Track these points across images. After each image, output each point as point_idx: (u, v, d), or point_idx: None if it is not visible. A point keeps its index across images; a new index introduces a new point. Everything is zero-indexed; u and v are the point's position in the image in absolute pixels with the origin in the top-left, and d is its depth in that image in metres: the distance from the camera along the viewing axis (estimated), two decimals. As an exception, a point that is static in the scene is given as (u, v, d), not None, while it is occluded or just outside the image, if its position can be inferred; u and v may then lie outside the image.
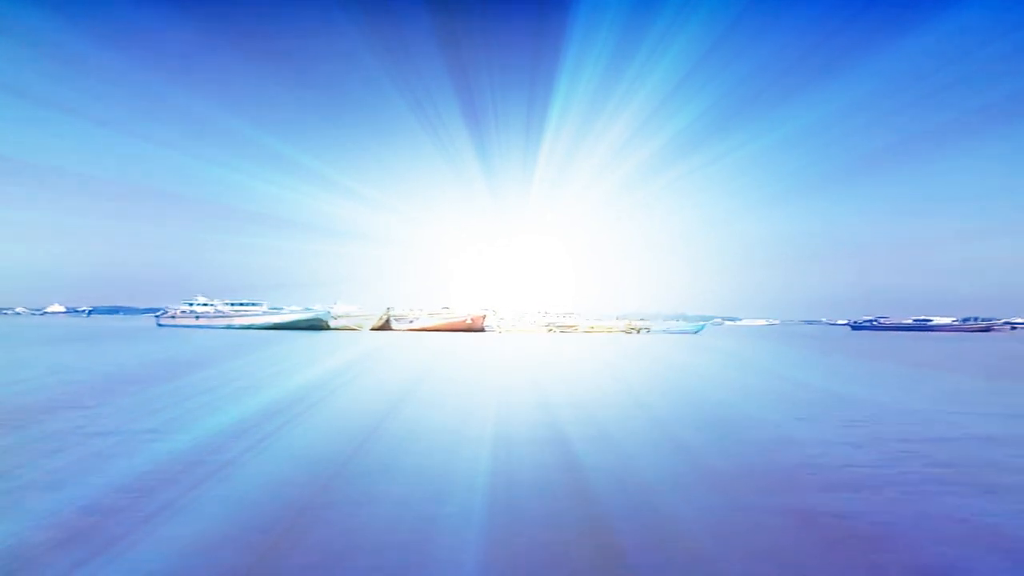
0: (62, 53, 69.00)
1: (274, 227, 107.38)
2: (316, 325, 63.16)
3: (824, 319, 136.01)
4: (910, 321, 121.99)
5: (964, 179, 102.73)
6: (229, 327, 63.21)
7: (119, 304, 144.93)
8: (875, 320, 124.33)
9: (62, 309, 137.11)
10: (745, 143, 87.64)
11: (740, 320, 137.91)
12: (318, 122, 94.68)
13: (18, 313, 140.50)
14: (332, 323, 63.96)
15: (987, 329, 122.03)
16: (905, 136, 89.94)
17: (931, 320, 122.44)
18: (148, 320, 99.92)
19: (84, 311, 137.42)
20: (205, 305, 67.31)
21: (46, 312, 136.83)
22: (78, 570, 4.15)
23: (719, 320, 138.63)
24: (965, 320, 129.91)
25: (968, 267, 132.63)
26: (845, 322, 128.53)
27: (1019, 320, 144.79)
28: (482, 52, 72.26)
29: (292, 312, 64.20)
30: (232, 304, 66.75)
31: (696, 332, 74.96)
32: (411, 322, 65.91)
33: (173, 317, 68.93)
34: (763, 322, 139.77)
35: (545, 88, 73.10)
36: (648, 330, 74.16)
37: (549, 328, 69.89)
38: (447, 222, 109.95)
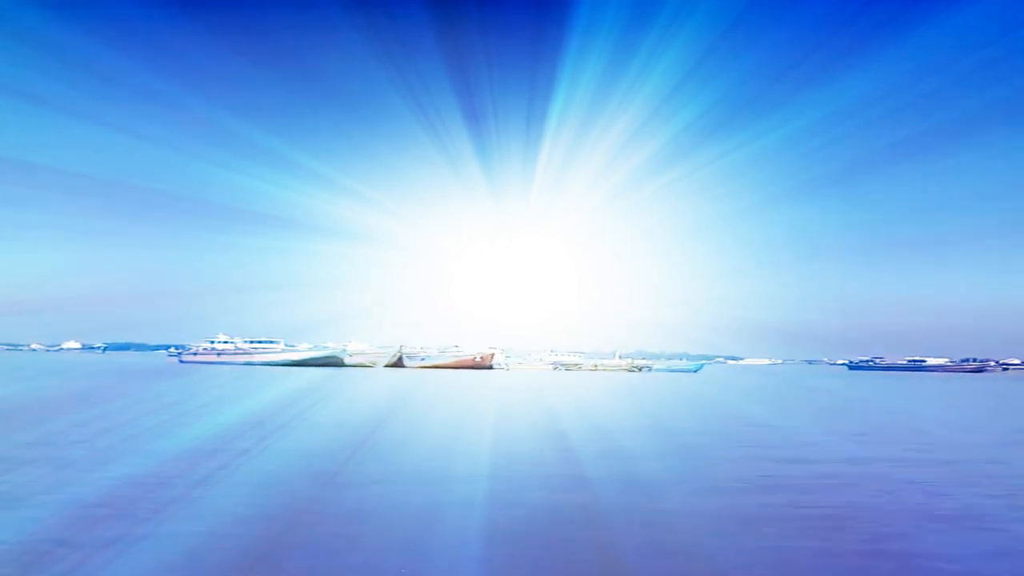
0: (62, 53, 71.75)
1: (275, 227, 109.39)
2: (332, 362, 66.07)
3: (825, 359, 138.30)
4: (905, 361, 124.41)
5: (963, 180, 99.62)
6: (249, 364, 66.18)
7: (132, 340, 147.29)
8: (872, 360, 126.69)
9: (77, 345, 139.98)
10: (741, 145, 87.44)
11: (743, 359, 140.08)
12: (318, 122, 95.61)
13: (34, 349, 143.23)
14: (347, 360, 66.92)
15: (980, 370, 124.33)
16: (905, 136, 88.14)
17: (925, 361, 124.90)
18: (162, 357, 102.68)
19: (99, 347, 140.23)
20: (226, 343, 70.49)
21: (61, 348, 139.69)
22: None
23: (721, 359, 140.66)
24: (963, 361, 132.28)
25: (965, 306, 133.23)
26: (844, 362, 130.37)
27: (1012, 360, 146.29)
28: (482, 52, 74.78)
29: (309, 350, 67.22)
30: (251, 342, 69.92)
31: (695, 371, 77.70)
32: (422, 360, 68.88)
33: (195, 354, 72.01)
34: (767, 361, 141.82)
35: (545, 88, 74.86)
36: (650, 369, 76.99)
37: (555, 367, 72.80)
38: (447, 223, 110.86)
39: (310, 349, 67.34)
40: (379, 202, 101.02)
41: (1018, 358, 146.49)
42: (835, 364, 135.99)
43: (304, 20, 76.42)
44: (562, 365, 73.41)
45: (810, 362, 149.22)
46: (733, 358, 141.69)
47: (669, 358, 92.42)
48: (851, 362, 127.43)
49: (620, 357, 78.26)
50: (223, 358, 69.23)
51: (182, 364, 66.80)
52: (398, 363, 68.54)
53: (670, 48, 69.03)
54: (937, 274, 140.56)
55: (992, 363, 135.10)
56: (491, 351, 69.85)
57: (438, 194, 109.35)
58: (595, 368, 73.49)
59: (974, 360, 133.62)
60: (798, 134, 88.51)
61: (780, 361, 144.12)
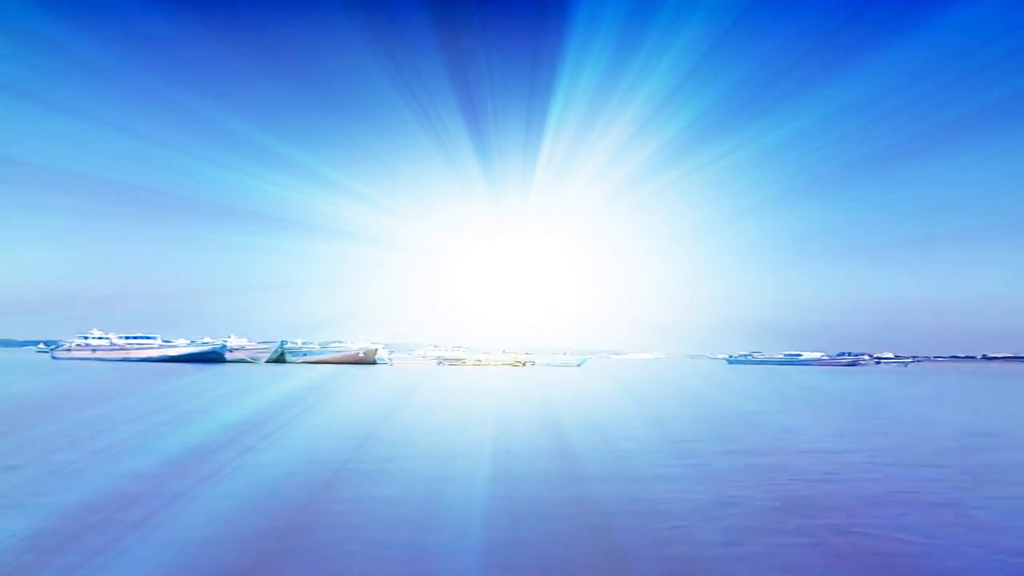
0: (62, 53, 68.31)
1: (274, 227, 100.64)
2: (212, 358, 66.66)
3: (707, 353, 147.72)
4: (782, 356, 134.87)
5: (963, 180, 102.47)
6: (126, 360, 65.82)
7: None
8: (750, 355, 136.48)
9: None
10: (736, 148, 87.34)
11: (626, 354, 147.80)
12: (318, 121, 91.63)
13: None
14: (228, 355, 67.67)
15: (853, 363, 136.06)
16: (905, 136, 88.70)
17: (801, 355, 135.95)
18: (31, 353, 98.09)
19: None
20: (100, 339, 69.64)
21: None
22: None
23: (605, 354, 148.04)
24: (839, 355, 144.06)
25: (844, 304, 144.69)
26: (725, 356, 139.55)
27: (886, 355, 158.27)
28: (482, 52, 74.74)
29: (187, 346, 67.50)
30: (127, 337, 69.41)
31: (578, 365, 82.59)
32: (304, 355, 70.49)
33: (68, 350, 70.69)
34: (649, 356, 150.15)
35: (545, 88, 75.11)
36: (533, 363, 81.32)
37: (439, 362, 75.91)
38: (447, 222, 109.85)
39: (188, 345, 67.61)
40: (379, 202, 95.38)
41: (893, 352, 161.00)
42: (716, 358, 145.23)
43: (304, 20, 77.18)
44: (446, 360, 76.64)
45: (692, 356, 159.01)
46: (617, 352, 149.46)
47: (554, 352, 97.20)
48: (731, 356, 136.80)
49: (504, 351, 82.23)
50: (98, 354, 68.44)
51: (55, 361, 65.62)
52: (280, 359, 69.83)
53: (670, 48, 67.13)
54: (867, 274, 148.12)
55: (866, 357, 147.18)
56: (374, 346, 72.23)
57: (438, 193, 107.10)
58: (478, 363, 77.13)
59: (849, 354, 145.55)
60: (798, 135, 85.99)
61: (663, 355, 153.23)
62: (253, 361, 67.65)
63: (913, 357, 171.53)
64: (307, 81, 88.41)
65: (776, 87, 79.99)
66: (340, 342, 72.67)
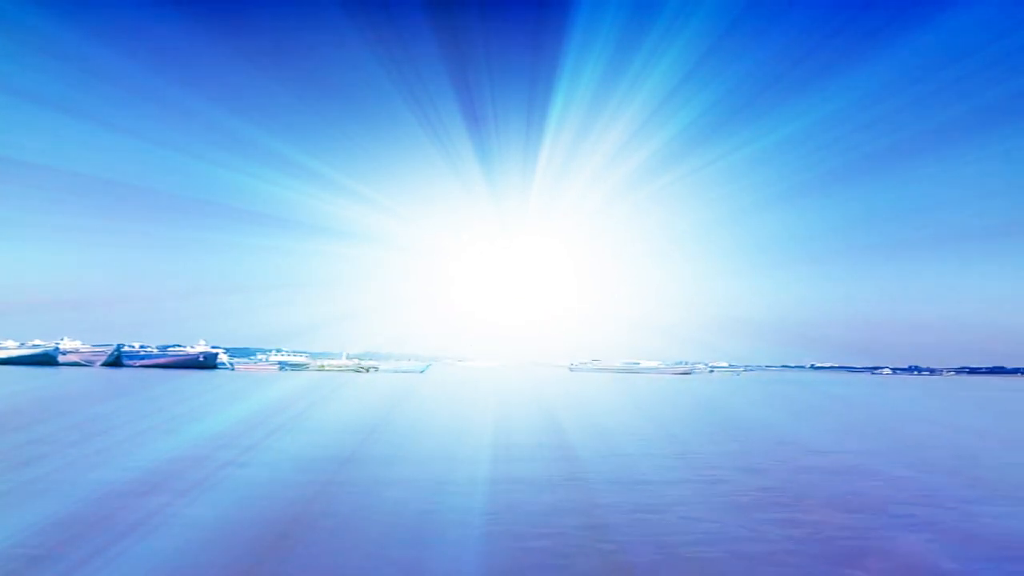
0: (62, 53, 67.74)
1: (274, 227, 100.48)
2: (43, 361, 68.33)
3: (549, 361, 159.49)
4: (620, 364, 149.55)
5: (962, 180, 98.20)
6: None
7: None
8: (591, 362, 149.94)
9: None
10: (736, 148, 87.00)
11: (470, 360, 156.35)
12: (318, 122, 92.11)
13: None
14: (61, 358, 69.56)
15: (688, 372, 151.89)
16: (905, 136, 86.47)
17: (639, 363, 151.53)
18: None
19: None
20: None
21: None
22: None
23: (450, 360, 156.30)
24: (676, 363, 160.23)
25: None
26: (568, 364, 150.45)
27: (721, 363, 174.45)
28: (482, 52, 73.42)
29: (17, 348, 68.71)
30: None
31: (422, 372, 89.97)
32: (143, 358, 73.56)
33: None
34: (495, 363, 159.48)
35: (545, 88, 73.73)
36: (376, 369, 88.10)
37: (280, 367, 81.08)
38: (447, 223, 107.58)
39: (19, 347, 68.82)
40: (378, 202, 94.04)
41: (727, 361, 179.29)
42: (559, 366, 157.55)
43: (304, 20, 77.35)
44: (288, 365, 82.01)
45: (536, 364, 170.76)
46: (462, 359, 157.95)
47: (399, 358, 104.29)
48: (572, 364, 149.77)
49: (347, 357, 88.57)
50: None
51: None
52: (116, 362, 72.42)
53: (669, 49, 66.82)
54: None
55: (701, 365, 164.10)
56: (215, 351, 76.42)
57: (438, 194, 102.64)
58: (321, 368, 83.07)
59: (685, 363, 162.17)
60: (797, 135, 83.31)
61: (504, 362, 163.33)
62: (88, 365, 69.91)
63: (746, 366, 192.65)
64: (307, 81, 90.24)
65: (776, 88, 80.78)
66: (180, 346, 76.22)
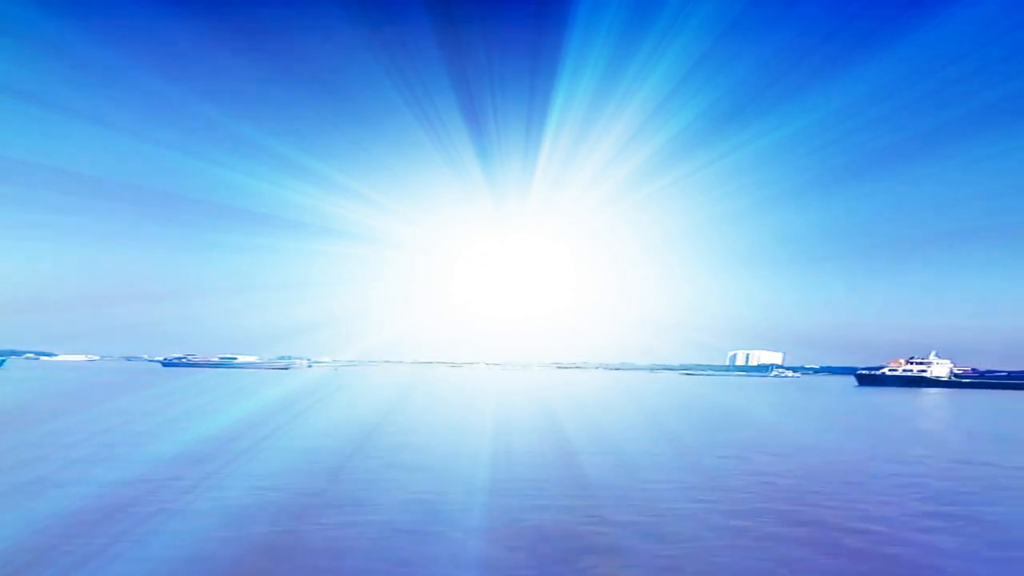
0: (62, 53, 70.95)
1: (274, 227, 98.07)
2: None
3: (145, 355, 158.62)
4: (217, 359, 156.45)
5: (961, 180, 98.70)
6: None
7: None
8: (185, 357, 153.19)
9: None
10: (735, 149, 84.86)
11: (56, 356, 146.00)
12: (318, 122, 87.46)
13: None
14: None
15: (287, 368, 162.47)
16: (905, 136, 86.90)
17: (236, 358, 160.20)
18: None
19: None
20: None
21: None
22: None
23: (32, 355, 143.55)
24: (279, 359, 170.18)
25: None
26: (161, 359, 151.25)
27: (323, 359, 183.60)
28: (482, 52, 68.16)
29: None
30: None
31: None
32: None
33: None
34: (83, 358, 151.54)
35: (545, 88, 68.29)
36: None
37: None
38: (447, 223, 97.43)
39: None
40: (379, 202, 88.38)
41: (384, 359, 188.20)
42: (153, 360, 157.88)
43: (305, 21, 75.80)
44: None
45: (129, 359, 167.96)
46: (47, 353, 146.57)
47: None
48: (165, 359, 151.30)
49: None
50: None
51: None
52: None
53: (669, 49, 65.64)
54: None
55: (299, 360, 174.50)
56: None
57: (438, 194, 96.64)
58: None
59: (284, 359, 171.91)
60: (797, 135, 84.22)
61: (97, 358, 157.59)
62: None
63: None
64: (308, 81, 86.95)
65: (775, 88, 79.31)
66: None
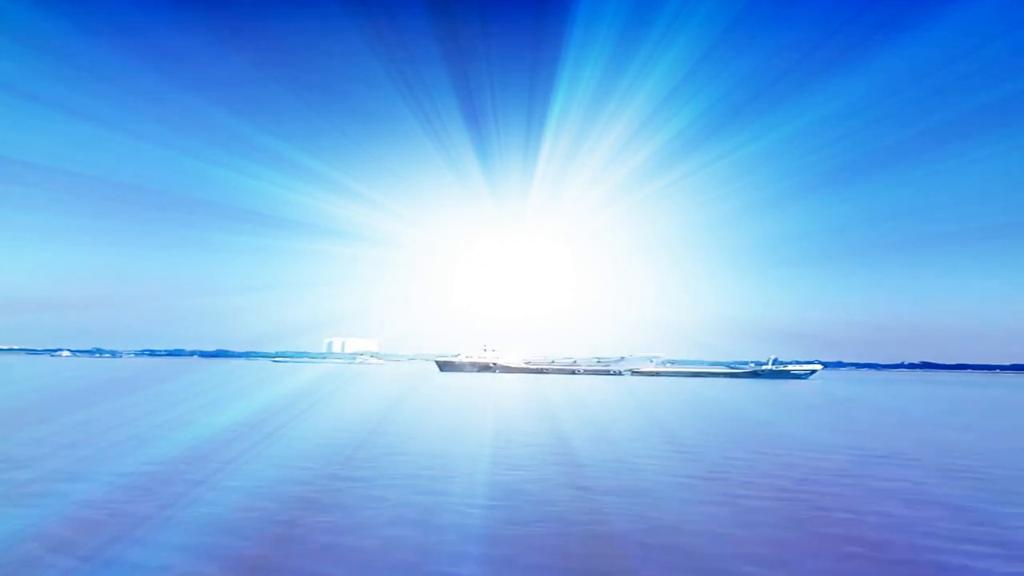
0: (62, 53, 65.79)
1: (275, 227, 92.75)
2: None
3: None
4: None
5: (961, 179, 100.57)
6: None
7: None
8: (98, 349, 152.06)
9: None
10: (734, 149, 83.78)
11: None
12: (318, 122, 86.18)
13: None
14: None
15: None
16: (905, 136, 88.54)
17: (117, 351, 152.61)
18: None
19: None
20: None
21: None
22: None
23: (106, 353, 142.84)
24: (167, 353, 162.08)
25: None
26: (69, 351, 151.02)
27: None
28: (482, 52, 69.30)
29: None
30: None
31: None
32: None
33: None
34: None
35: (545, 89, 66.85)
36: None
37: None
38: (447, 222, 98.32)
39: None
40: (379, 202, 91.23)
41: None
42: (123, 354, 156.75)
43: (305, 21, 77.23)
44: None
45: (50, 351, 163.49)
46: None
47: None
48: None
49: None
50: None
51: None
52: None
53: (669, 50, 66.37)
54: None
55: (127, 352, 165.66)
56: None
57: (438, 194, 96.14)
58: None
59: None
60: (797, 135, 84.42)
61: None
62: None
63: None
64: (308, 82, 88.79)
65: (775, 88, 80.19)
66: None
